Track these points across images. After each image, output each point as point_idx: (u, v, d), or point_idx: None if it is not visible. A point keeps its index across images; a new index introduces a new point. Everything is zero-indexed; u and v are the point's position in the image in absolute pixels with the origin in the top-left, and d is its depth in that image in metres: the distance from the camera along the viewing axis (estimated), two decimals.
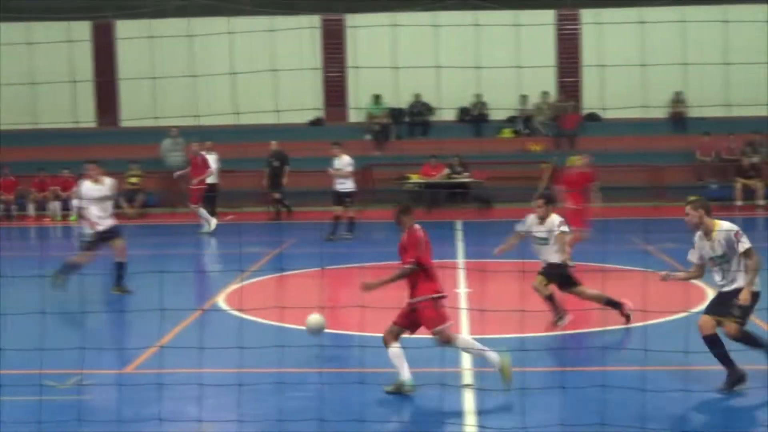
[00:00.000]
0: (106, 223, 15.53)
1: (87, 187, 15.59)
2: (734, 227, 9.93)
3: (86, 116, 31.44)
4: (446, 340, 10.06)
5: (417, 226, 10.35)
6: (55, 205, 28.34)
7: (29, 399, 9.85)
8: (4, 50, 29.67)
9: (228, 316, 13.82)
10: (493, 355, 9.86)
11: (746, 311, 9.83)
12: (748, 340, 9.94)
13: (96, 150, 27.98)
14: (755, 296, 9.90)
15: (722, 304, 9.84)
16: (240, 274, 15.67)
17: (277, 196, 26.71)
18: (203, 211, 24.09)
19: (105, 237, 15.55)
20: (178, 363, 11.04)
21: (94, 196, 15.44)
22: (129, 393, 10.08)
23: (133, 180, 28.30)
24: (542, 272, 12.93)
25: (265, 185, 27.05)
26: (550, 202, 13.35)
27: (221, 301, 15.09)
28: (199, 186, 24.37)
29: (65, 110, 30.81)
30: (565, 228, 12.93)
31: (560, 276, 12.95)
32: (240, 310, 13.35)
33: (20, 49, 27.51)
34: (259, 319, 13.18)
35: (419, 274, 10.15)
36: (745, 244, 9.79)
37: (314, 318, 11.52)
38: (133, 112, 31.12)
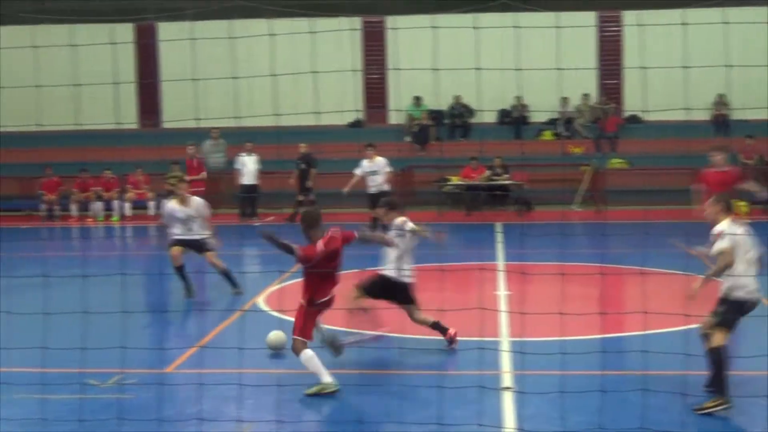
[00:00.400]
0: (189, 236, 15.43)
1: (171, 207, 15.52)
2: (722, 228, 9.44)
3: (129, 118, 31.70)
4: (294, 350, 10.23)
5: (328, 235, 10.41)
6: (97, 206, 28.58)
7: (72, 397, 9.96)
8: (48, 52, 30.00)
9: (268, 317, 13.86)
10: (327, 379, 9.97)
11: (723, 317, 9.37)
12: (717, 362, 9.30)
13: (137, 151, 28.27)
14: (738, 305, 9.41)
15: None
16: (280, 275, 15.71)
17: (301, 198, 26.77)
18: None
19: (192, 247, 15.46)
20: (219, 363, 11.10)
21: (179, 217, 15.37)
22: (170, 392, 10.16)
23: (174, 181, 28.46)
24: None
25: (295, 187, 27.08)
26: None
27: (261, 301, 15.14)
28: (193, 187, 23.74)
29: (108, 111, 31.14)
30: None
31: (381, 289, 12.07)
32: (279, 310, 13.39)
33: (63, 51, 27.80)
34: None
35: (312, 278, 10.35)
36: (719, 244, 9.38)
37: (275, 335, 11.77)
38: (174, 113, 31.35)
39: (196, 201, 15.27)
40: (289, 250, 10.36)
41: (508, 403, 9.60)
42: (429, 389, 9.69)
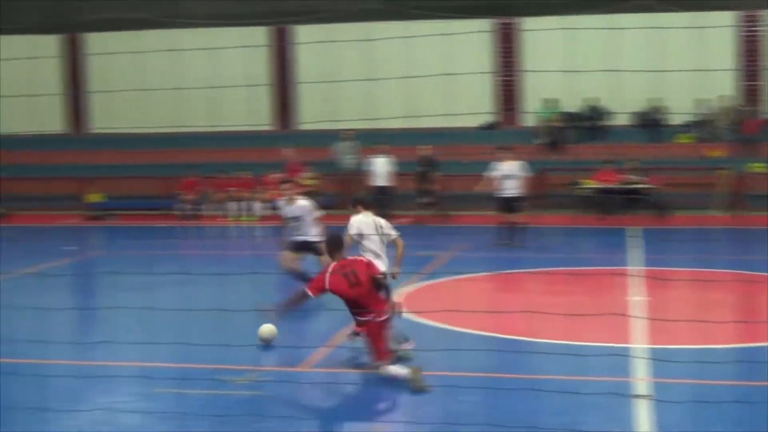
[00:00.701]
0: (299, 238, 15.62)
1: (281, 207, 15.74)
2: None
3: (264, 119, 32.23)
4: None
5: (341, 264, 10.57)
6: (233, 206, 29.12)
7: (208, 393, 10.18)
8: (187, 56, 30.77)
9: (400, 318, 13.88)
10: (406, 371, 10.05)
11: None
12: None
13: (273, 152, 28.73)
14: None
15: None
16: (413, 277, 15.76)
17: (424, 200, 26.71)
18: None
19: (306, 248, 15.65)
20: (352, 362, 11.20)
21: (287, 218, 15.56)
22: (302, 390, 10.31)
23: (309, 182, 28.80)
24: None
25: (417, 189, 27.06)
26: None
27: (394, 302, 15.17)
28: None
29: (244, 113, 31.79)
30: None
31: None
32: (413, 312, 13.43)
33: (201, 55, 28.47)
34: (432, 322, 13.23)
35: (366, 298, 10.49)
36: None
37: (266, 328, 11.99)
38: (309, 114, 31.74)
39: (301, 202, 15.39)
40: (302, 295, 10.76)
41: (642, 411, 9.42)
42: (561, 395, 9.61)
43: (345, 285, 10.39)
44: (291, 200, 15.15)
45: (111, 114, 32.91)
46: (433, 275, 17.35)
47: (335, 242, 10.93)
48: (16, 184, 30.97)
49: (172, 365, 11.29)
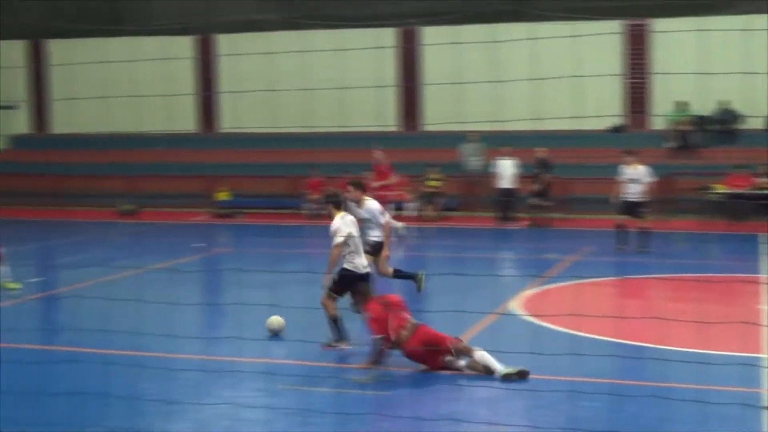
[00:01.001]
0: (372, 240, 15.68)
1: (352, 206, 15.82)
2: None
3: (390, 120, 32.39)
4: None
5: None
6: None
7: (332, 391, 10.31)
8: (315, 57, 31.13)
9: (521, 321, 13.84)
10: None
11: None
12: None
13: (399, 153, 28.87)
14: None
15: None
16: (535, 280, 15.66)
17: (534, 202, 26.44)
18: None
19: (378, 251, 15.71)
20: (470, 365, 11.18)
21: (360, 218, 15.64)
22: (426, 392, 10.36)
23: (434, 183, 28.87)
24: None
25: (531, 191, 26.80)
26: None
27: (515, 305, 15.11)
28: (381, 192, 23.51)
29: (370, 114, 31.98)
30: None
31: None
32: (534, 315, 13.35)
33: (329, 56, 28.77)
34: (554, 326, 13.12)
35: None
36: None
37: (275, 320, 12.71)
38: (435, 116, 31.75)
39: (370, 204, 15.37)
40: (378, 350, 11.15)
41: None
42: (687, 403, 9.43)
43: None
44: (361, 202, 15.18)
45: (240, 114, 33.51)
46: (555, 279, 17.20)
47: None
48: (148, 181, 31.86)
49: (296, 362, 11.47)
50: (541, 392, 10.03)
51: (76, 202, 31.88)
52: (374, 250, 15.20)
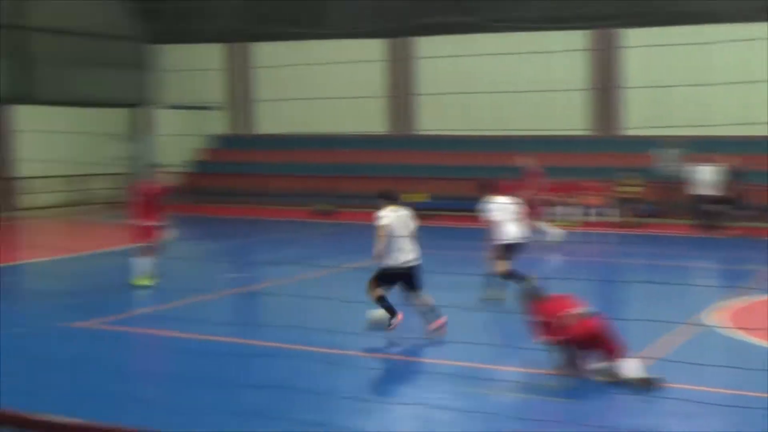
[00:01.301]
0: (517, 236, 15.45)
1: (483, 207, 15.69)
2: None
3: (583, 124, 31.85)
4: None
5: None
6: (560, 210, 28.44)
7: (513, 395, 10.23)
8: (508, 59, 30.99)
9: (714, 333, 13.31)
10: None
11: None
12: None
13: (593, 158, 28.40)
14: None
15: None
16: (732, 292, 15.08)
17: (719, 209, 25.35)
18: (541, 224, 22.97)
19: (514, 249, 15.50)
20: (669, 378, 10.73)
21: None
22: (615, 401, 10.12)
23: (632, 189, 28.17)
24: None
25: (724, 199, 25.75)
26: None
27: (708, 316, 14.50)
28: (532, 199, 22.65)
29: (564, 117, 31.53)
30: None
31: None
32: (740, 328, 12.86)
33: (523, 58, 28.46)
34: (750, 339, 12.59)
35: None
36: None
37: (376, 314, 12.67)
38: (635, 120, 31.01)
39: (496, 204, 15.24)
40: (568, 353, 10.68)
41: None
42: None
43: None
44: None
45: (437, 116, 33.67)
46: (755, 291, 16.48)
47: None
48: (345, 182, 32.42)
49: (478, 365, 11.41)
50: (738, 408, 9.61)
51: (273, 201, 32.77)
52: (506, 251, 15.14)
